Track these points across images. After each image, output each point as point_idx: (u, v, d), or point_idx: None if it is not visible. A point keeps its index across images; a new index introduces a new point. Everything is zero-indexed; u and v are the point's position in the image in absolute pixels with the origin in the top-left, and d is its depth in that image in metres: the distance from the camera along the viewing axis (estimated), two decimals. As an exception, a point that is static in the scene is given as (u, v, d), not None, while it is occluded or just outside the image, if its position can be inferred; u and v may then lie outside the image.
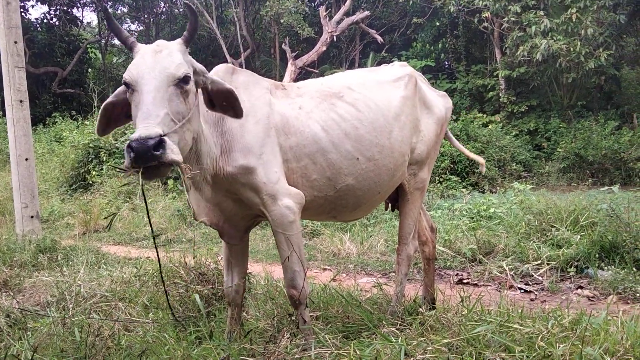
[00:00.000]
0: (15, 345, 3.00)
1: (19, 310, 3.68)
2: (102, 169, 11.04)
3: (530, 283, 4.74)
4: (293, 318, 3.02)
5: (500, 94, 18.19)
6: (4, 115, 8.93)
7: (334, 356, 2.47)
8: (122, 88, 2.48)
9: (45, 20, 24.61)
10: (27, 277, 4.91)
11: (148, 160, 2.10)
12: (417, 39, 22.68)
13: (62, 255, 5.69)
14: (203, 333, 3.05)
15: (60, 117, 18.81)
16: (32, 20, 24.52)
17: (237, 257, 3.14)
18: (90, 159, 11.60)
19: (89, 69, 27.15)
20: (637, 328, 2.55)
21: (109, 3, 27.49)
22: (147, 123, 2.15)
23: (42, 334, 3.14)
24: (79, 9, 26.10)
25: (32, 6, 26.40)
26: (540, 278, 4.81)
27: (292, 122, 2.91)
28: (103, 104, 2.62)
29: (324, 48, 20.26)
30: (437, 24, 21.52)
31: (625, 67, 18.96)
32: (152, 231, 2.99)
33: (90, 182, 10.99)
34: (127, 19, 29.94)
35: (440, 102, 3.67)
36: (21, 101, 6.81)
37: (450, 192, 10.93)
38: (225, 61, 15.66)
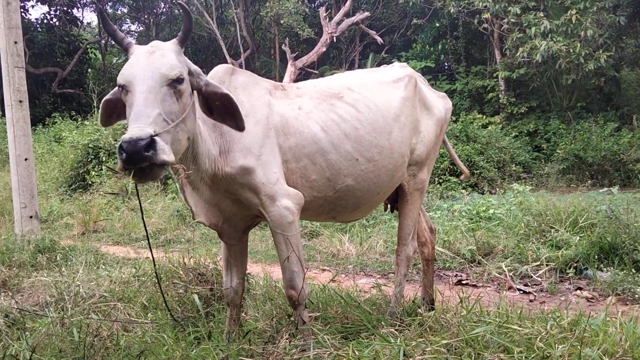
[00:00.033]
0: (13, 346, 3.00)
1: (18, 310, 3.68)
2: (101, 169, 11.04)
3: (530, 284, 4.73)
4: (292, 319, 3.02)
5: (500, 95, 18.21)
6: (3, 115, 8.93)
7: (332, 357, 2.47)
8: (117, 89, 2.48)
9: (45, 21, 24.64)
10: (25, 277, 4.90)
11: (139, 161, 2.10)
12: (417, 40, 22.70)
13: (61, 256, 5.68)
14: (202, 333, 3.05)
15: (60, 118, 18.82)
16: (32, 20, 24.54)
17: (236, 258, 3.13)
18: (89, 159, 11.60)
19: (89, 70, 27.18)
20: (636, 329, 2.56)
21: (109, 3, 27.53)
22: (138, 124, 2.15)
23: (41, 334, 3.14)
24: (79, 9, 26.16)
25: (32, 6, 26.43)
26: (540, 279, 4.81)
27: (291, 123, 2.90)
28: (103, 99, 2.65)
29: (324, 49, 20.28)
30: (437, 25, 21.54)
31: (625, 68, 18.97)
32: (147, 232, 2.98)
33: (90, 183, 10.99)
34: (127, 20, 30.01)
35: (440, 103, 3.67)
36: (21, 101, 6.81)
37: (449, 193, 10.94)
38: (225, 62, 15.68)
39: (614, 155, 13.40)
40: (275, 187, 2.75)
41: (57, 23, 24.79)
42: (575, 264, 4.93)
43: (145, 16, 28.35)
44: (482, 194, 10.85)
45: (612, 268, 4.68)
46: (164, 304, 3.66)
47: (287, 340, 2.75)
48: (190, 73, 2.48)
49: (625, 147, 13.59)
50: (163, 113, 2.24)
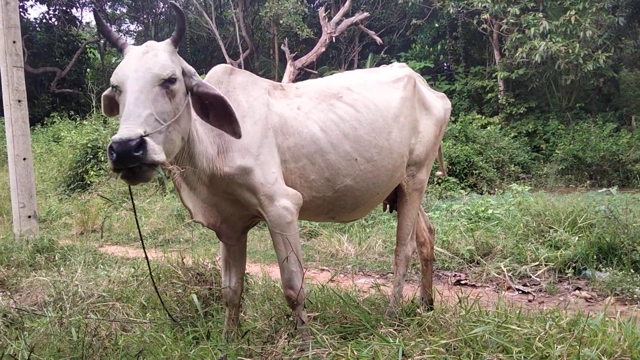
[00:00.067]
0: (12, 345, 2.99)
1: (16, 310, 3.67)
2: (100, 169, 11.02)
3: (528, 284, 4.74)
4: (291, 318, 3.02)
5: (499, 96, 18.23)
6: (2, 114, 8.91)
7: (331, 357, 2.47)
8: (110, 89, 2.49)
9: (44, 20, 24.61)
10: (24, 277, 4.90)
11: (129, 161, 2.10)
12: (416, 41, 22.71)
13: (60, 255, 5.68)
14: (200, 333, 3.04)
15: (59, 117, 18.79)
16: (31, 20, 24.51)
17: (235, 258, 3.13)
18: (88, 159, 11.59)
19: (88, 69, 27.15)
20: (635, 329, 2.56)
21: (108, 3, 27.51)
22: (128, 124, 2.15)
23: (39, 334, 3.13)
24: (78, 9, 26.12)
25: (31, 6, 26.37)
26: (538, 279, 4.81)
27: (290, 123, 2.90)
28: (103, 94, 2.67)
29: (323, 49, 20.29)
30: (436, 25, 21.55)
31: (624, 69, 18.99)
32: (140, 234, 2.98)
33: (88, 182, 10.97)
34: (126, 19, 29.98)
35: (439, 103, 3.67)
36: (19, 101, 6.80)
37: (448, 193, 10.94)
38: (224, 62, 15.67)
39: (612, 155, 13.41)
40: (274, 187, 2.74)
41: (56, 23, 24.76)
42: (574, 264, 4.94)
43: (144, 16, 28.34)
44: (481, 194, 10.86)
45: (610, 268, 4.68)
46: (162, 304, 3.66)
47: (286, 340, 2.75)
48: (184, 73, 2.47)
49: (624, 147, 13.61)
50: (155, 113, 2.24)
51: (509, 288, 4.62)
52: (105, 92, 2.65)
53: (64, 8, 24.63)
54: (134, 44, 2.56)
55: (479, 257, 5.41)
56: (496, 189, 11.81)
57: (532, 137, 16.79)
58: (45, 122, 18.97)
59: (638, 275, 4.43)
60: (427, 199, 9.24)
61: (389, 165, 3.18)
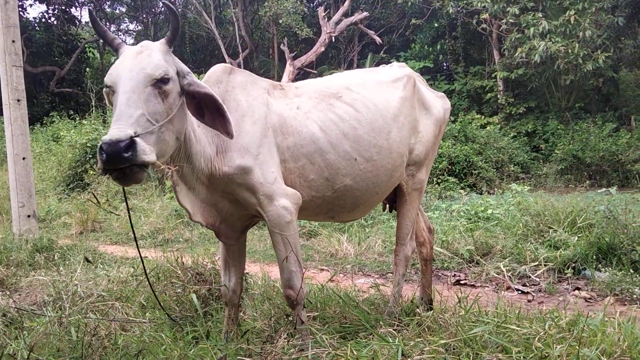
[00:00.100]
0: (11, 345, 2.99)
1: (16, 309, 3.67)
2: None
3: (528, 284, 4.74)
4: (290, 318, 3.02)
5: (499, 96, 18.24)
6: (1, 114, 8.90)
7: (331, 356, 2.47)
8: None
9: (43, 20, 24.58)
10: (23, 276, 4.90)
11: (119, 162, 2.10)
12: (415, 40, 22.72)
13: (59, 255, 5.68)
14: (200, 333, 3.04)
15: (58, 117, 18.77)
16: (30, 19, 24.48)
17: (234, 257, 3.13)
18: (87, 158, 11.57)
19: (87, 69, 27.12)
20: (634, 329, 2.56)
21: (108, 3, 27.49)
22: (119, 125, 2.15)
23: (39, 334, 3.13)
24: (77, 8, 26.09)
25: (30, 5, 26.46)
26: (538, 279, 4.82)
27: (289, 122, 2.90)
28: (104, 90, 2.66)
29: (323, 49, 20.29)
30: (436, 25, 21.56)
31: (623, 69, 19.01)
32: (134, 235, 2.97)
33: (88, 182, 10.97)
34: (126, 19, 29.96)
35: (438, 103, 3.67)
36: (19, 100, 6.80)
37: (448, 193, 10.94)
38: (224, 61, 15.67)
39: (612, 155, 13.42)
40: (273, 187, 2.74)
41: (55, 22, 24.74)
42: (573, 264, 4.94)
43: (144, 15, 28.32)
44: (481, 194, 10.87)
45: (610, 268, 4.68)
46: (162, 303, 3.66)
47: (286, 340, 2.75)
48: (178, 73, 2.46)
49: (624, 147, 13.61)
50: (147, 113, 2.24)
51: (508, 288, 4.62)
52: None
53: (63, 7, 24.60)
54: (133, 44, 2.56)
55: (479, 257, 5.41)
56: (495, 189, 11.81)
57: (532, 137, 16.80)
58: (44, 122, 18.96)
59: (637, 276, 4.44)
60: (427, 198, 9.24)
61: (389, 165, 3.18)
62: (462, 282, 4.90)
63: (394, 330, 2.75)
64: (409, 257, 3.62)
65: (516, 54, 15.26)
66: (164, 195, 9.85)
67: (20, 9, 22.30)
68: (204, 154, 2.66)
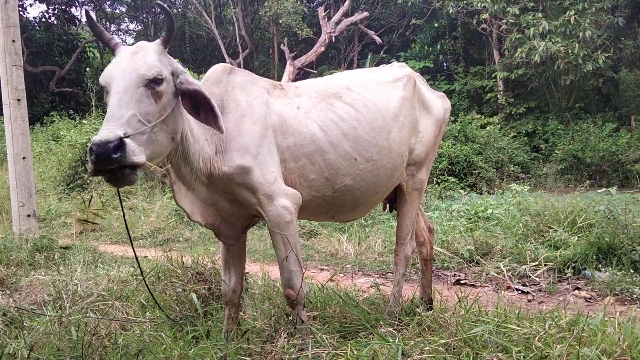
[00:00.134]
0: (11, 344, 2.99)
1: (16, 309, 3.67)
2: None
3: (528, 284, 4.74)
4: (290, 318, 3.02)
5: (499, 96, 18.24)
6: (1, 114, 8.91)
7: (331, 356, 2.47)
8: None
9: (43, 19, 24.56)
10: (23, 276, 4.90)
11: (108, 163, 2.11)
12: (415, 40, 22.73)
13: (59, 254, 5.67)
14: (200, 332, 3.04)
15: (58, 116, 18.77)
16: (30, 19, 24.47)
17: (234, 257, 3.13)
18: (87, 158, 11.57)
19: (87, 68, 27.09)
20: (634, 329, 2.56)
21: (108, 2, 27.48)
22: (109, 125, 2.16)
23: (39, 333, 3.13)
24: (77, 8, 26.06)
25: (30, 5, 26.44)
26: (538, 279, 4.82)
27: (289, 122, 2.90)
28: None
29: (323, 48, 20.29)
30: (436, 25, 21.57)
31: (623, 69, 19.01)
32: (130, 236, 2.97)
33: (88, 182, 10.97)
34: (126, 19, 29.95)
35: (438, 103, 3.67)
36: (19, 100, 6.80)
37: (448, 193, 10.95)
38: (224, 61, 15.65)
39: (612, 155, 13.42)
40: (273, 187, 2.74)
41: (55, 22, 24.72)
42: (573, 264, 4.94)
43: (144, 15, 28.31)
44: (481, 194, 10.87)
45: (610, 268, 4.68)
46: (162, 303, 3.66)
47: (286, 340, 2.75)
48: (173, 73, 2.46)
49: (624, 147, 13.62)
50: (139, 114, 2.24)
51: (508, 288, 4.62)
52: None
53: (63, 7, 24.58)
54: (133, 44, 2.56)
55: (479, 257, 5.41)
56: (495, 189, 11.81)
57: (532, 137, 16.81)
58: (44, 121, 18.96)
59: (637, 275, 4.44)
60: (427, 198, 9.24)
61: (389, 165, 3.18)
62: (462, 281, 4.90)
63: (394, 329, 2.75)
64: (409, 257, 3.62)
65: (516, 54, 15.27)
66: (164, 195, 9.85)
67: (20, 9, 22.28)
68: (203, 154, 2.66)
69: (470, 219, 7.01)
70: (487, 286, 4.75)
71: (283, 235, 2.78)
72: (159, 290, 3.89)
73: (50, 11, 24.56)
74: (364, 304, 3.39)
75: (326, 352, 2.51)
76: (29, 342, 2.93)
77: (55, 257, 5.59)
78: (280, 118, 2.88)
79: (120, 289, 4.18)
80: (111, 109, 2.22)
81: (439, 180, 11.85)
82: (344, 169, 3.00)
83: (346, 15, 20.65)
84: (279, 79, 19.75)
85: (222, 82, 2.86)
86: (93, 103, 16.23)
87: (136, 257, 2.94)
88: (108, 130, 2.13)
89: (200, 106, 2.51)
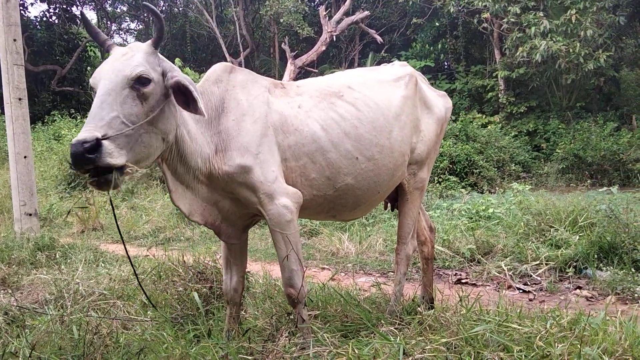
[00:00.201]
0: (13, 343, 2.99)
1: (17, 308, 3.67)
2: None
3: (529, 283, 4.74)
4: (292, 317, 3.02)
5: (500, 95, 18.22)
6: (2, 113, 8.92)
7: (332, 355, 2.47)
8: None
9: (44, 19, 24.56)
10: (25, 274, 4.90)
11: (83, 163, 2.13)
12: (416, 40, 22.71)
13: (61, 253, 5.68)
14: (201, 331, 3.04)
15: (59, 115, 18.79)
16: (31, 18, 24.46)
17: (235, 256, 3.13)
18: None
19: (88, 67, 27.07)
20: (636, 328, 2.56)
21: (109, 2, 27.48)
22: (88, 127, 2.18)
23: (40, 332, 3.13)
24: (78, 7, 26.06)
25: (32, 4, 26.41)
26: (539, 278, 4.82)
27: (290, 121, 2.90)
28: None
29: (324, 48, 20.28)
30: (437, 24, 21.56)
31: (625, 68, 18.98)
32: (121, 236, 2.97)
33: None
34: (127, 18, 29.95)
35: (440, 102, 3.67)
36: (20, 99, 6.80)
37: (449, 192, 10.94)
38: (225, 60, 15.66)
39: (613, 155, 13.41)
40: (274, 186, 2.74)
41: (56, 21, 24.72)
42: (574, 263, 4.94)
43: (145, 14, 28.28)
44: (482, 193, 10.85)
45: (611, 267, 4.68)
46: (164, 302, 3.67)
47: (287, 339, 2.76)
48: (163, 73, 2.45)
49: (625, 146, 13.60)
50: (122, 115, 2.25)
51: (509, 287, 4.62)
52: None
53: (64, 6, 24.58)
54: (136, 42, 2.57)
55: (480, 256, 5.41)
56: (497, 188, 11.80)
57: (533, 136, 16.79)
58: (45, 120, 18.98)
59: (639, 275, 4.43)
60: (428, 197, 9.24)
61: (390, 164, 3.18)
62: (463, 281, 4.90)
63: (395, 329, 2.75)
64: (410, 256, 3.62)
65: (517, 53, 15.25)
66: (165, 194, 9.85)
67: (21, 8, 22.27)
68: (202, 154, 2.66)
69: (472, 218, 7.01)
70: (489, 285, 4.75)
71: (284, 234, 2.78)
72: (160, 290, 3.90)
73: (51, 10, 24.56)
74: (365, 303, 3.40)
75: (327, 351, 2.51)
76: (30, 341, 2.93)
77: (57, 256, 5.59)
78: (281, 117, 2.88)
79: (121, 288, 4.18)
80: (93, 110, 2.23)
81: (440, 180, 11.85)
82: (345, 168, 3.00)
83: (347, 14, 20.63)
84: (280, 78, 19.75)
85: (223, 81, 2.86)
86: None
87: (128, 257, 2.94)
88: (86, 131, 2.15)
89: (187, 96, 2.48)
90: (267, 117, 2.83)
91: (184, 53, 24.73)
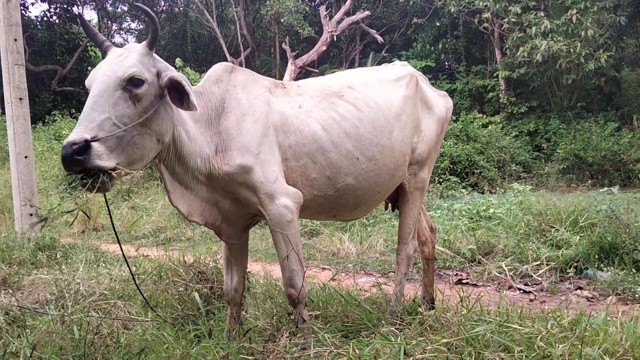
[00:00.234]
0: (14, 343, 2.99)
1: (18, 308, 3.68)
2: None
3: (530, 283, 4.74)
4: (292, 317, 3.02)
5: (500, 95, 18.21)
6: (3, 112, 8.93)
7: (333, 355, 2.47)
8: None
9: (45, 18, 24.57)
10: (26, 274, 4.90)
11: (72, 165, 2.14)
12: (417, 39, 22.70)
13: (61, 253, 5.68)
14: (202, 331, 3.04)
15: (60, 115, 18.81)
16: (32, 18, 24.47)
17: (236, 256, 3.13)
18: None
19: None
20: (636, 329, 2.56)
21: (109, 1, 27.48)
22: (78, 128, 2.19)
23: (41, 332, 3.14)
24: (79, 7, 26.06)
25: (32, 4, 26.38)
26: (540, 279, 4.81)
27: (291, 121, 2.90)
28: None
29: (324, 48, 20.28)
30: (438, 24, 21.54)
31: (626, 68, 18.96)
32: (117, 236, 2.97)
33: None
34: (127, 18, 29.94)
35: (441, 102, 3.67)
36: (21, 99, 6.81)
37: (449, 192, 10.94)
38: (226, 60, 15.64)
39: (614, 155, 13.39)
40: (274, 186, 2.74)
41: (57, 21, 24.72)
42: (575, 264, 4.94)
43: (143, 15, 28.29)
44: (482, 193, 10.85)
45: (612, 268, 4.68)
46: (164, 302, 3.67)
47: (288, 339, 2.76)
48: (158, 74, 2.45)
49: (626, 147, 13.58)
50: (114, 117, 2.25)
51: (510, 287, 4.62)
52: None
53: (65, 6, 24.59)
54: (134, 42, 2.57)
55: (480, 257, 5.41)
56: (497, 189, 11.79)
57: (534, 136, 16.77)
58: (46, 120, 18.99)
59: (639, 275, 4.43)
60: (429, 198, 9.24)
61: (391, 164, 3.18)
62: (464, 281, 4.90)
63: (396, 329, 2.75)
64: (411, 256, 3.62)
65: (518, 53, 15.23)
66: (166, 194, 9.84)
67: (22, 8, 22.28)
68: (201, 154, 2.66)
69: (472, 218, 7.00)
70: (489, 286, 4.74)
71: (284, 234, 2.77)
72: (161, 290, 3.90)
73: (52, 10, 24.57)
74: (365, 303, 3.40)
75: (328, 351, 2.51)
76: (31, 341, 2.93)
77: (58, 256, 5.60)
78: (281, 117, 2.88)
79: (122, 288, 4.18)
80: (84, 112, 2.24)
81: (441, 180, 11.84)
82: (346, 168, 3.00)
83: (348, 14, 20.62)
84: (281, 78, 19.74)
85: (223, 81, 2.86)
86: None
87: (125, 257, 2.94)
88: (76, 133, 2.16)
89: (180, 92, 2.47)
90: (267, 117, 2.82)
91: (184, 53, 24.73)
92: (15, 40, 6.77)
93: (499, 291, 4.47)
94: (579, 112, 17.17)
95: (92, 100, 2.26)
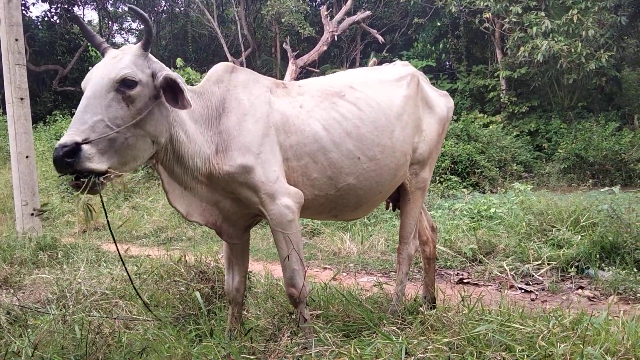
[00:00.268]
0: (15, 343, 3.00)
1: (20, 307, 3.68)
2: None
3: (531, 283, 4.73)
4: (293, 316, 3.02)
5: (501, 95, 18.20)
6: (4, 112, 8.92)
7: (334, 355, 2.47)
8: None
9: (46, 18, 24.59)
10: (27, 274, 4.91)
11: (62, 167, 2.16)
12: (418, 39, 22.68)
13: (63, 253, 5.69)
14: (204, 331, 3.05)
15: (61, 115, 18.81)
16: (33, 18, 24.50)
17: (237, 256, 3.13)
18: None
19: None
20: (638, 328, 2.55)
21: (110, 1, 27.50)
22: (70, 131, 2.20)
23: (43, 332, 3.14)
24: (80, 7, 26.10)
25: (33, 4, 26.43)
26: (541, 278, 4.81)
27: (292, 121, 2.90)
28: None
29: (325, 47, 20.27)
30: (438, 24, 21.53)
31: (626, 68, 18.94)
32: (113, 237, 2.97)
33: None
34: (128, 18, 29.95)
35: (442, 101, 3.67)
36: (22, 99, 6.81)
37: (450, 192, 10.93)
38: (226, 60, 15.64)
39: (615, 154, 13.38)
40: (275, 186, 2.74)
41: (57, 21, 24.74)
42: (576, 263, 4.93)
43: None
44: (484, 193, 10.84)
45: (613, 267, 4.68)
46: (166, 302, 3.68)
47: (289, 338, 2.76)
48: (153, 75, 2.44)
49: (627, 146, 13.57)
50: (107, 119, 2.26)
51: (511, 287, 4.62)
52: None
53: (66, 6, 24.60)
54: (135, 42, 2.57)
55: (482, 256, 5.41)
56: (498, 188, 11.79)
57: (534, 136, 16.76)
58: (47, 120, 19.01)
59: (641, 274, 4.43)
60: (430, 197, 9.24)
61: (392, 164, 3.18)
62: (465, 280, 4.90)
63: (397, 328, 2.75)
64: (412, 256, 3.62)
65: (519, 53, 15.22)
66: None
67: (23, 8, 22.28)
68: (201, 154, 2.66)
69: (473, 218, 7.00)
70: (490, 285, 4.74)
71: (285, 234, 2.78)
72: (162, 289, 3.90)
73: (52, 10, 24.59)
74: (367, 303, 3.40)
75: (329, 350, 2.51)
76: (33, 340, 2.94)
77: (59, 255, 5.60)
78: (282, 117, 2.88)
79: (123, 288, 4.18)
80: (77, 114, 2.26)
81: (442, 179, 11.83)
82: (347, 168, 3.00)
83: (348, 14, 20.62)
84: (282, 77, 19.75)
85: (224, 81, 2.86)
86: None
87: (121, 258, 2.94)
88: (67, 135, 2.17)
89: (175, 90, 2.46)
90: (268, 117, 2.82)
91: (185, 53, 24.73)
92: (17, 40, 6.78)
93: (500, 291, 4.47)
94: (580, 112, 17.16)
95: (85, 102, 2.27)
